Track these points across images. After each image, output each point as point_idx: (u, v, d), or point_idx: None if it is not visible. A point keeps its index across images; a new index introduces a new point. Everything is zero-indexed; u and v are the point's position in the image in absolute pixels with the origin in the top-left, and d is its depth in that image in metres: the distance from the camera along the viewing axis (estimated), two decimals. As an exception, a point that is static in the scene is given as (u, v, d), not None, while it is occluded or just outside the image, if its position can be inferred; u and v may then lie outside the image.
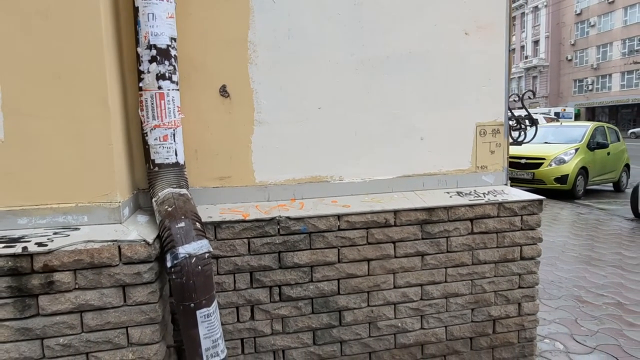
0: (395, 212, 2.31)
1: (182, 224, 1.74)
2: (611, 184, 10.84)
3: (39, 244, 1.57)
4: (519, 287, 2.53)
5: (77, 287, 1.62)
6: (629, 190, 8.62)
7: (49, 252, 1.56)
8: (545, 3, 52.01)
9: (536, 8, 54.09)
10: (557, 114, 27.82)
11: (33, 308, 1.59)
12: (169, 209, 1.79)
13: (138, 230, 1.77)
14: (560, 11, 50.18)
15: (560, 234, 6.17)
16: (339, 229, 2.25)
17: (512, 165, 9.13)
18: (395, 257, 2.34)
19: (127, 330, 1.69)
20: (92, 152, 1.71)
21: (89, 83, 1.67)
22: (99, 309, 1.65)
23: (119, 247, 1.65)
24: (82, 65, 1.66)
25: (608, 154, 10.25)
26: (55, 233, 1.65)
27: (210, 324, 1.75)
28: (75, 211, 1.71)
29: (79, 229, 1.69)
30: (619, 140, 11.13)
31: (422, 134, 2.48)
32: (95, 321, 1.65)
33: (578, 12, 48.46)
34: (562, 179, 9.18)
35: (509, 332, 2.56)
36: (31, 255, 1.55)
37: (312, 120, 2.34)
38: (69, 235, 1.64)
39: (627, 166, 11.06)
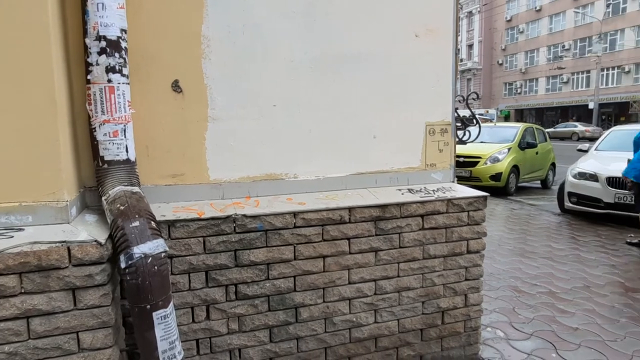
0: (350, 209, 2.35)
1: (137, 223, 1.68)
2: (539, 182, 11.63)
3: (-21, 247, 1.45)
4: (466, 280, 2.67)
5: (23, 291, 1.51)
6: (556, 187, 9.32)
7: (-9, 255, 1.45)
8: (478, 9, 54.85)
9: (470, 13, 56.95)
10: (480, 114, 29.84)
11: (-26, 316, 1.47)
12: (122, 207, 1.72)
13: (88, 230, 1.68)
14: (493, 17, 53.17)
15: (497, 228, 6.55)
16: (295, 227, 2.26)
17: (452, 163, 9.53)
18: (350, 253, 2.39)
19: (77, 335, 1.60)
20: (38, 148, 1.60)
21: (35, 75, 1.56)
22: (47, 313, 1.55)
23: (68, 248, 1.56)
24: (27, 56, 1.54)
25: (537, 153, 11.00)
26: (-4, 234, 1.53)
27: (167, 326, 1.70)
28: (18, 211, 1.59)
29: (23, 229, 1.58)
30: (546, 140, 11.98)
31: (375, 132, 2.55)
32: (44, 327, 1.55)
33: (508, 18, 51.58)
34: (497, 177, 9.75)
35: (457, 322, 2.69)
36: (-30, 259, 1.43)
37: (267, 117, 2.33)
38: (12, 237, 1.52)
39: (553, 165, 11.92)
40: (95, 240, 1.60)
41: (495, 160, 9.87)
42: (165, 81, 2.13)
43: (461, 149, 9.23)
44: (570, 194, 7.31)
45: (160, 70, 2.10)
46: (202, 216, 2.09)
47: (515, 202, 8.92)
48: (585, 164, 7.40)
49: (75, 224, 1.69)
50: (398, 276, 2.51)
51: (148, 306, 1.65)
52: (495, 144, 10.38)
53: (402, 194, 2.54)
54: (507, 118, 49.11)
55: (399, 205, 2.45)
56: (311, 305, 2.35)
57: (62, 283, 1.56)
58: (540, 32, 47.96)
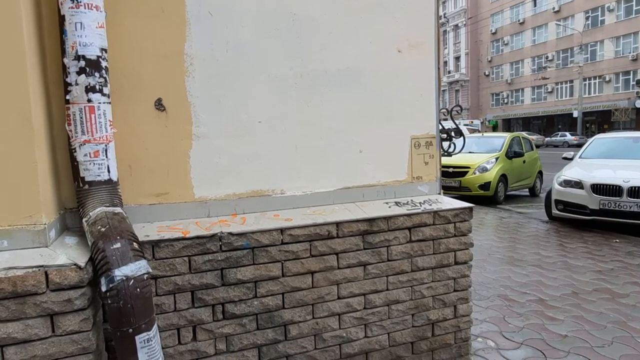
0: (337, 224, 2.34)
1: (118, 245, 1.65)
2: (527, 190, 11.74)
3: (-48, 274, 1.41)
4: (455, 291, 2.66)
5: (-3, 319, 1.47)
6: (543, 195, 9.38)
7: (-35, 282, 1.41)
8: (464, 22, 55.82)
9: (456, 26, 57.92)
10: (466, 125, 30.39)
11: (-55, 346, 1.42)
12: (103, 229, 1.69)
13: (67, 254, 1.64)
14: (478, 30, 54.16)
15: (486, 237, 6.57)
16: (282, 243, 2.24)
17: (441, 174, 9.63)
18: (339, 268, 2.37)
19: (57, 363, 1.56)
20: (14, 170, 1.56)
21: (10, 96, 1.54)
22: (23, 342, 1.50)
23: (45, 272, 1.52)
24: (1, 77, 1.52)
25: (524, 162, 11.13)
26: (-29, 261, 1.49)
27: (150, 349, 1.66)
28: (-6, 235, 1.55)
29: (-2, 255, 1.54)
30: (532, 149, 12.13)
31: (361, 147, 2.55)
32: (19, 356, 1.50)
33: (493, 31, 52.59)
34: (485, 186, 9.83)
35: (447, 334, 2.67)
36: (-57, 287, 1.39)
37: (253, 134, 2.32)
38: (-13, 263, 1.48)
39: (540, 173, 12.06)
40: (75, 264, 1.56)
41: (484, 169, 9.96)
42: (149, 100, 2.11)
43: (450, 160, 9.38)
44: (557, 202, 7.36)
45: (143, 88, 2.09)
46: (187, 235, 2.06)
47: (505, 211, 8.97)
48: (570, 172, 7.49)
49: (54, 247, 1.65)
50: (387, 289, 2.49)
51: (130, 330, 1.61)
52: (483, 154, 10.50)
53: (389, 207, 2.53)
54: (495, 128, 49.77)
55: (387, 218, 2.44)
56: (300, 322, 2.32)
57: (39, 309, 1.52)
58: (524, 44, 48.97)
